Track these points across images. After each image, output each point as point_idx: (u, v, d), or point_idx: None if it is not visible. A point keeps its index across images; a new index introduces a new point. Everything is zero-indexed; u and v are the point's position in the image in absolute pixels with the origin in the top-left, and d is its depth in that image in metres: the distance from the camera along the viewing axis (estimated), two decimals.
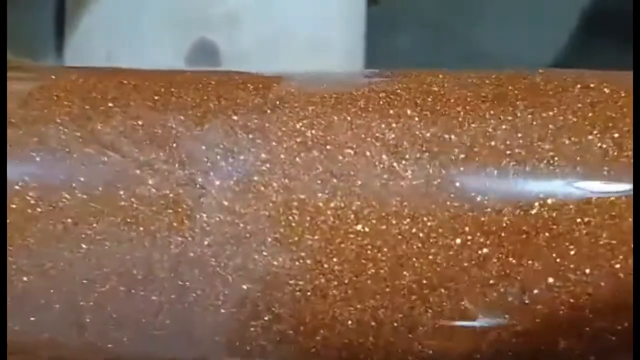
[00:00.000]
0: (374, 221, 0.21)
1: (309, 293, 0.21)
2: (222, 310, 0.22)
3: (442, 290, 0.21)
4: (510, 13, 0.33)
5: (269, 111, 0.22)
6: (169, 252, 0.21)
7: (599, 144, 0.21)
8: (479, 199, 0.21)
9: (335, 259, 0.21)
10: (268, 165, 0.22)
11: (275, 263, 0.21)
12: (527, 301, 0.21)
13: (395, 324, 0.22)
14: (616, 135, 0.21)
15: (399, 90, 0.23)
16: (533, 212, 0.21)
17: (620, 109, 0.22)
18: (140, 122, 0.22)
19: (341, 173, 0.21)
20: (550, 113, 0.22)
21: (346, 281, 0.21)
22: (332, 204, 0.21)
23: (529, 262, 0.21)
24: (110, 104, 0.23)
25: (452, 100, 0.22)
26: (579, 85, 0.23)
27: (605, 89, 0.23)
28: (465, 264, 0.21)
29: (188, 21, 0.30)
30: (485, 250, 0.21)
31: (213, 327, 0.22)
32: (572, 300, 0.21)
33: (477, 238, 0.21)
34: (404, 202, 0.21)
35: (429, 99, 0.22)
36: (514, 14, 0.33)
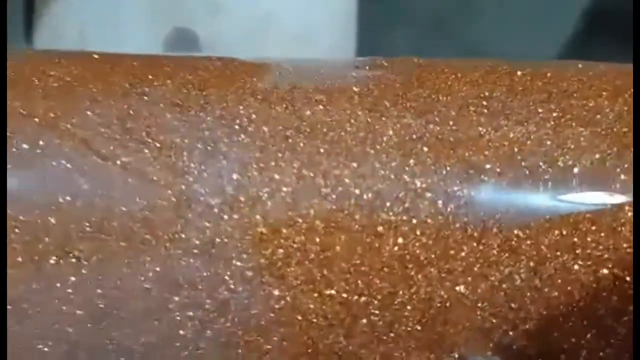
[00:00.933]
0: (346, 181, 0.17)
1: (264, 272, 0.17)
2: (153, 294, 0.17)
3: (432, 270, 0.17)
4: (509, 12, 0.32)
5: (229, 72, 0.19)
6: (90, 217, 0.17)
7: (611, 107, 0.18)
8: (474, 158, 0.17)
9: (297, 228, 0.17)
10: (223, 121, 0.18)
11: (222, 232, 0.17)
12: (538, 285, 0.17)
13: (373, 318, 0.17)
14: (629, 99, 0.18)
15: (380, 62, 0.20)
16: (539, 174, 0.17)
17: (628, 77, 0.19)
18: (76, 83, 0.19)
19: (309, 129, 0.18)
20: (552, 80, 0.19)
21: (311, 256, 0.17)
22: (295, 164, 0.17)
23: (539, 234, 0.17)
24: (51, 71, 0.20)
25: (439, 69, 0.19)
26: (580, 65, 0.20)
27: (610, 69, 0.20)
28: (460, 235, 0.17)
29: (165, 9, 0.28)
30: (484, 217, 0.17)
31: (138, 322, 0.17)
32: (595, 285, 0.16)
33: (475, 203, 0.17)
34: (383, 161, 0.17)
35: (414, 70, 0.19)
36: (514, 12, 0.32)
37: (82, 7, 0.29)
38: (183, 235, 0.17)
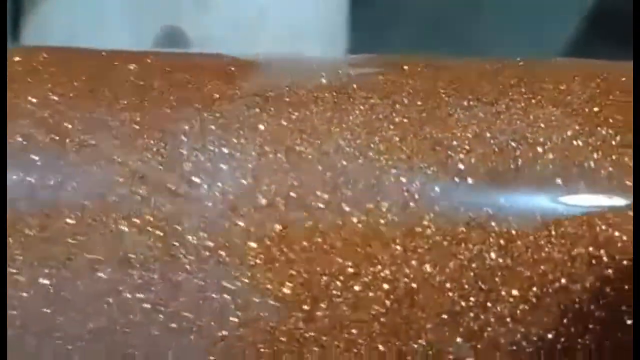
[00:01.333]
0: (310, 157, 0.16)
1: (220, 251, 0.16)
2: (103, 274, 0.16)
3: (397, 248, 0.16)
4: (510, 12, 0.32)
5: (197, 60, 0.19)
6: (52, 195, 0.16)
7: (583, 89, 0.18)
8: (442, 135, 0.17)
9: (257, 205, 0.16)
10: (185, 100, 0.18)
11: (178, 209, 0.16)
12: (510, 264, 0.16)
13: (335, 299, 0.16)
14: (604, 85, 0.18)
15: (354, 58, 0.20)
16: (508, 151, 0.16)
17: (601, 67, 0.19)
18: (41, 67, 0.19)
19: (274, 108, 0.17)
20: (524, 68, 0.19)
21: (271, 234, 0.16)
22: (257, 141, 0.17)
23: (509, 211, 0.16)
24: (16, 57, 0.19)
25: (416, 60, 0.19)
26: (566, 62, 0.20)
27: (584, 61, 0.20)
28: (427, 207, 0.16)
29: (154, 7, 0.27)
30: (451, 193, 0.16)
31: (86, 304, 0.16)
32: (569, 264, 0.16)
33: (442, 179, 0.16)
34: (348, 138, 0.17)
35: (391, 62, 0.19)
36: (514, 12, 0.32)
37: (70, 6, 0.29)
38: (137, 212, 0.16)
